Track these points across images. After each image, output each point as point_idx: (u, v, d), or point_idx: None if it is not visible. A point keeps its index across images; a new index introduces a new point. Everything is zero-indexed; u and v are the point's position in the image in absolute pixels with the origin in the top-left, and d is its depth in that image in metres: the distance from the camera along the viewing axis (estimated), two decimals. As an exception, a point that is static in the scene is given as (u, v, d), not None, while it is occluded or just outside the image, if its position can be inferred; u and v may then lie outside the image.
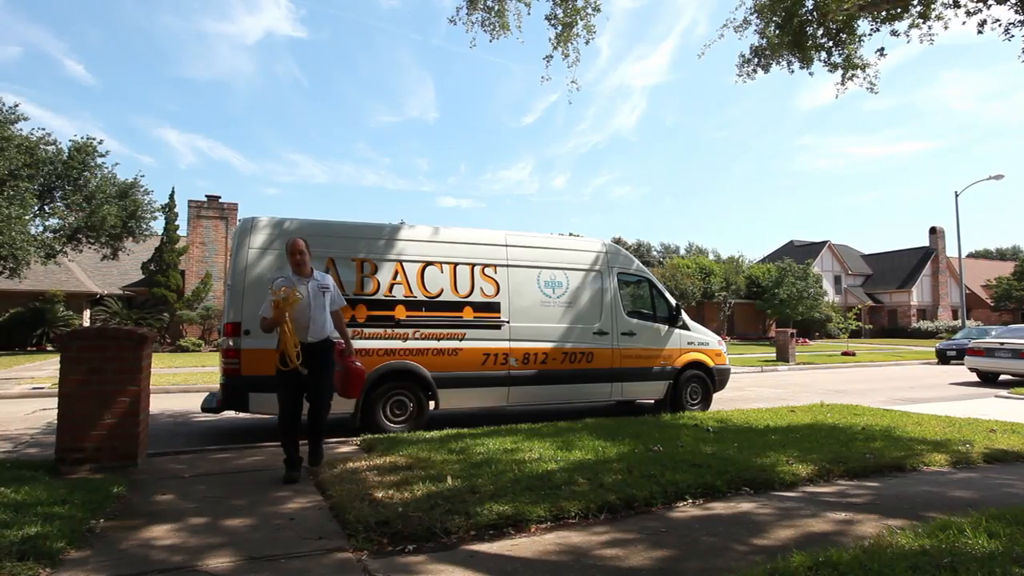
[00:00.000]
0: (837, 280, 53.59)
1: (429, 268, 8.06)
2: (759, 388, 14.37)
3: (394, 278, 7.87)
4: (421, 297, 7.93)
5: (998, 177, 29.77)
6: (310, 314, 5.22)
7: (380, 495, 4.28)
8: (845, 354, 25.48)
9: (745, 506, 4.33)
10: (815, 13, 9.66)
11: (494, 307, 8.30)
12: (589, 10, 9.72)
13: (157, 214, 28.72)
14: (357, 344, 7.04)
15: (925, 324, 48.31)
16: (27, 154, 22.85)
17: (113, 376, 5.31)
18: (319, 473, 5.18)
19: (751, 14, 10.22)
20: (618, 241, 66.20)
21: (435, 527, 3.66)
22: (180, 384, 13.16)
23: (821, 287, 43.15)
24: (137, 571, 3.14)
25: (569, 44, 9.93)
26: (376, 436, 6.78)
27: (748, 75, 10.71)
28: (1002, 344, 15.47)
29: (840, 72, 10.17)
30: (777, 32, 9.94)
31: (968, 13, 8.90)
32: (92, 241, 26.43)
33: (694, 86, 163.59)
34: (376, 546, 3.49)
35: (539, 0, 9.90)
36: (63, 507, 3.92)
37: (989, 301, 50.62)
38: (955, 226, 31.38)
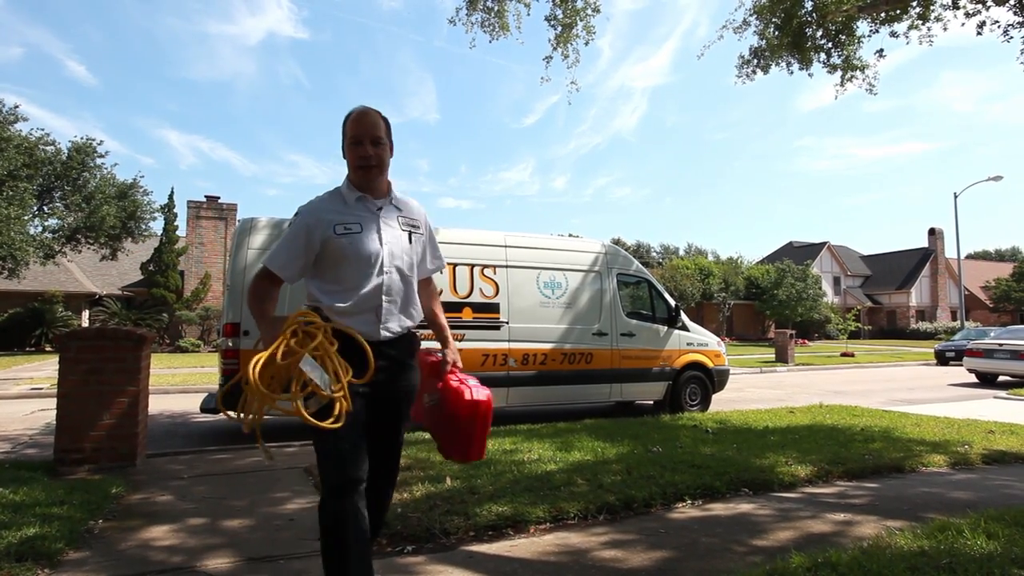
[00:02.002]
0: (836, 281, 53.64)
1: None
2: (758, 389, 14.37)
3: (393, 279, 7.83)
4: None
5: (997, 178, 29.80)
6: (385, 279, 2.52)
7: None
8: (844, 355, 25.49)
9: (744, 507, 4.33)
10: (814, 14, 9.68)
11: (493, 308, 8.30)
12: (588, 11, 9.74)
13: (156, 215, 28.75)
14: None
15: (924, 325, 48.34)
16: (26, 154, 22.85)
17: (112, 377, 5.30)
18: None
19: (750, 15, 10.24)
20: (617, 242, 66.19)
21: (434, 528, 3.66)
22: (179, 384, 13.16)
23: (820, 288, 43.20)
24: (136, 572, 3.14)
25: (569, 45, 9.95)
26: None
27: (748, 76, 10.73)
28: (1001, 345, 15.48)
29: (839, 73, 10.19)
30: (776, 33, 9.95)
31: (967, 15, 8.91)
32: (91, 241, 26.45)
33: (695, 87, 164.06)
34: (375, 547, 3.49)
35: (539, 1, 9.90)
36: (62, 508, 3.91)
37: (988, 302, 50.67)
38: (954, 227, 31.44)
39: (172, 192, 30.47)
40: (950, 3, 9.05)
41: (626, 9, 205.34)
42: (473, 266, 8.31)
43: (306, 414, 2.18)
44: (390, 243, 2.56)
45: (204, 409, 7.37)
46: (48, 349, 25.86)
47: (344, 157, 2.60)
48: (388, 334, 2.53)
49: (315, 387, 2.20)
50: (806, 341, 39.56)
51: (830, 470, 5.22)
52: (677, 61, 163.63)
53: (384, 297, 2.52)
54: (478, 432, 2.72)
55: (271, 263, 2.51)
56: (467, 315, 8.14)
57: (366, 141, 2.50)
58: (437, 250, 2.90)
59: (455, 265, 8.21)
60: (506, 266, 8.52)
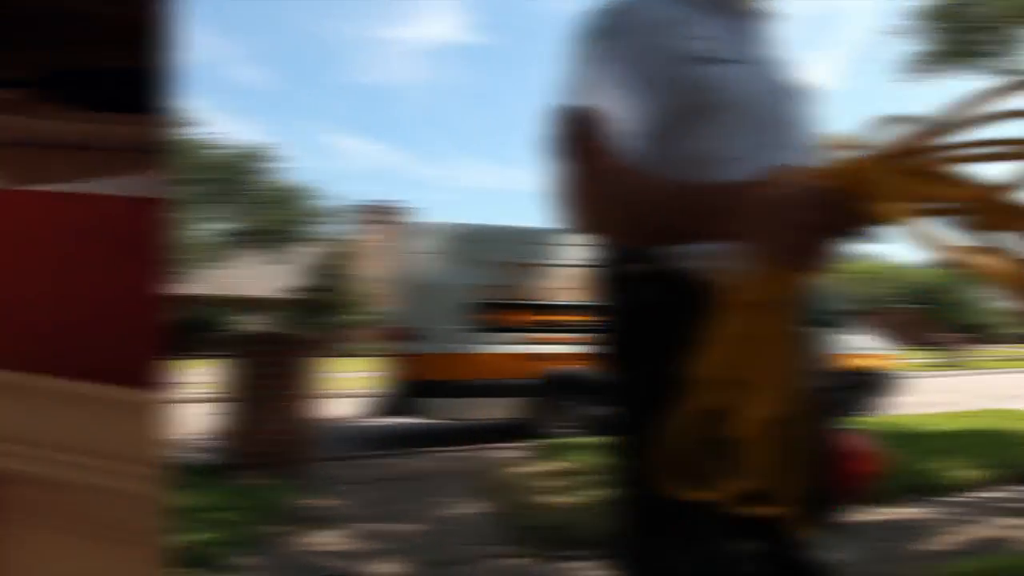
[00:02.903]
0: None
1: None
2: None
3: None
4: None
5: None
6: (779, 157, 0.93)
7: (548, 501, 4.09)
8: None
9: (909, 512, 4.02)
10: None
11: None
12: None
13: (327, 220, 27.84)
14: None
15: None
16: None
17: (281, 382, 5.35)
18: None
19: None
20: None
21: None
22: (346, 390, 12.65)
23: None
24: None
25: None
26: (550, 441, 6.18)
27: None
28: None
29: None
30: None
31: None
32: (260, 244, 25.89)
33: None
34: (541, 550, 3.34)
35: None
36: (230, 513, 3.91)
37: None
38: None
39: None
40: None
41: None
42: None
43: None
44: (763, 95, 1.10)
45: (371, 415, 7.52)
46: (211, 354, 26.07)
47: None
48: None
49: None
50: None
51: (999, 474, 4.69)
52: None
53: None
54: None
55: (617, 119, 0.94)
56: None
57: None
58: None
59: None
60: None
